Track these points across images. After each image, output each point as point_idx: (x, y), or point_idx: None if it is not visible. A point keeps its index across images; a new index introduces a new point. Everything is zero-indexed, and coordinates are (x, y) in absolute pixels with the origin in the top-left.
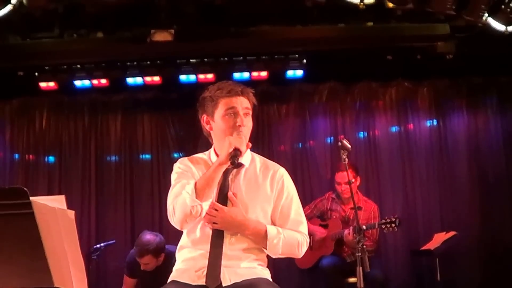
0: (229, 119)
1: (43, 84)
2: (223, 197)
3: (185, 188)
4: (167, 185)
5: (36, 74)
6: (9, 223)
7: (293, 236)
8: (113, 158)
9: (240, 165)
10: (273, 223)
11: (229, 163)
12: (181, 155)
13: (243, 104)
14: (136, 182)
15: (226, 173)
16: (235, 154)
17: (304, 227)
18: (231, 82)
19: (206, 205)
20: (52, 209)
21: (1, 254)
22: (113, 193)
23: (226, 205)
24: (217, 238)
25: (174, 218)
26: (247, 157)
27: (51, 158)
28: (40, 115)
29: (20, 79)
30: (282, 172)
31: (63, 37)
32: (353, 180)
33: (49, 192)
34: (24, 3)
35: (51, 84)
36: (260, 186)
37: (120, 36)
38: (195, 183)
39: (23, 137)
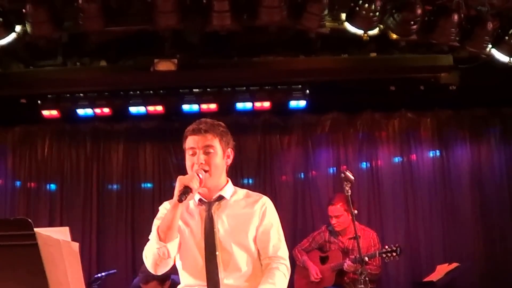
0: (189, 158)
1: (45, 112)
2: (209, 231)
3: (151, 234)
4: None
5: (39, 102)
6: (13, 254)
7: (280, 277)
8: (115, 186)
9: (222, 198)
10: (256, 248)
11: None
12: None
13: (205, 142)
14: (138, 211)
15: (209, 207)
16: (184, 191)
17: (283, 251)
18: (204, 120)
19: (171, 246)
20: (57, 241)
21: (4, 285)
22: (115, 221)
23: (213, 240)
24: (212, 270)
25: (147, 263)
26: (229, 190)
27: (53, 186)
28: (42, 143)
29: (23, 106)
30: (265, 200)
31: (66, 65)
32: (356, 211)
33: (51, 220)
34: (28, 32)
35: (54, 112)
36: (242, 215)
37: (123, 65)
38: (158, 227)
39: (25, 165)
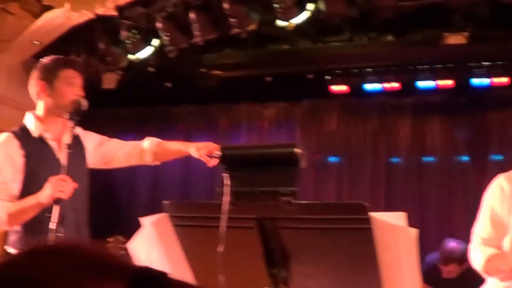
0: None
1: (334, 88)
2: None
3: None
4: (456, 190)
5: (326, 77)
6: (345, 239)
7: None
8: (401, 161)
9: None
10: None
11: None
12: (469, 159)
13: None
14: (424, 186)
15: None
16: None
17: None
18: None
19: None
20: (392, 226)
21: (334, 265)
22: (401, 195)
23: None
24: None
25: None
26: None
27: (340, 159)
28: (329, 117)
29: (310, 82)
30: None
31: (353, 41)
32: None
33: (338, 192)
34: (321, 10)
35: (343, 87)
36: None
37: (410, 39)
38: (490, 219)
39: (313, 138)
